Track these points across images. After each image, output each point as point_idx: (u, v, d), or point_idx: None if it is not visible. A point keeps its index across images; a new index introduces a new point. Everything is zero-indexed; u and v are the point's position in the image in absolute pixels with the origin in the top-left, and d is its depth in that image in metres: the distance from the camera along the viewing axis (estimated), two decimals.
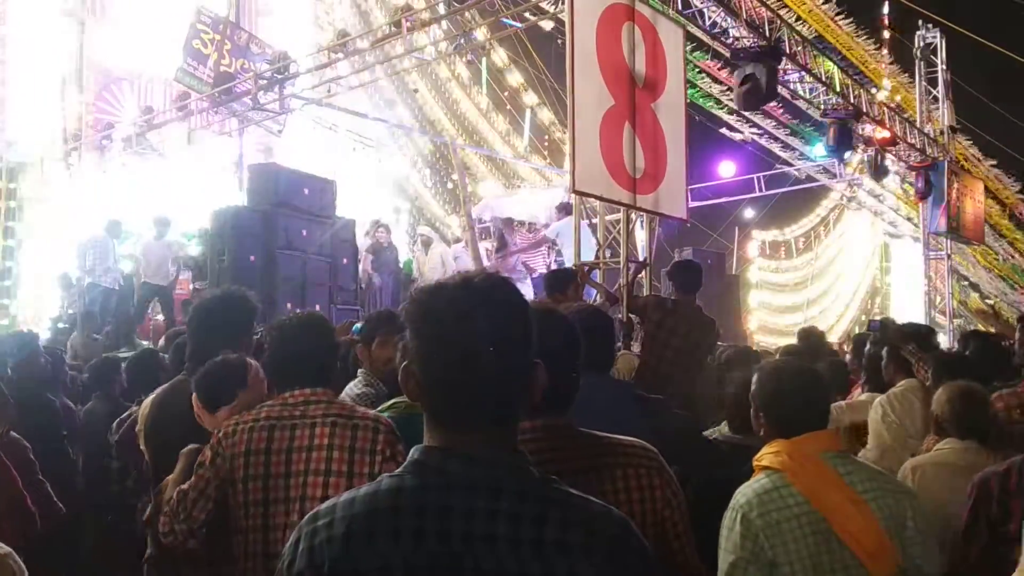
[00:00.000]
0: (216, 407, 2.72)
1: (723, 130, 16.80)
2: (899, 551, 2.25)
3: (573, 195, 7.71)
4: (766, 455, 2.42)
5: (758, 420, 2.53)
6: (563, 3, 9.43)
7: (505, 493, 1.28)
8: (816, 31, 15.96)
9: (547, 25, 11.42)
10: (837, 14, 18.33)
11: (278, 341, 2.70)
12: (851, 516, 2.25)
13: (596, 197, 7.11)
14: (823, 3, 17.70)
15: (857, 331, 15.04)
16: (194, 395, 2.80)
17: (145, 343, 11.22)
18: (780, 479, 2.32)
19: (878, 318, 8.37)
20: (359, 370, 3.79)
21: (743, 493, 2.35)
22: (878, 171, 14.63)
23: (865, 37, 19.42)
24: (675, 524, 1.90)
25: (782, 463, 2.35)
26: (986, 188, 18.91)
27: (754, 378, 2.58)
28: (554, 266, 11.76)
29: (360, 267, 12.55)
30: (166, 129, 14.69)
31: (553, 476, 1.35)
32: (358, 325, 4.63)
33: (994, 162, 20.82)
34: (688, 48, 13.19)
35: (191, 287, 12.24)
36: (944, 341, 13.74)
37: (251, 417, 2.52)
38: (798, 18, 14.87)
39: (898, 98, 18.83)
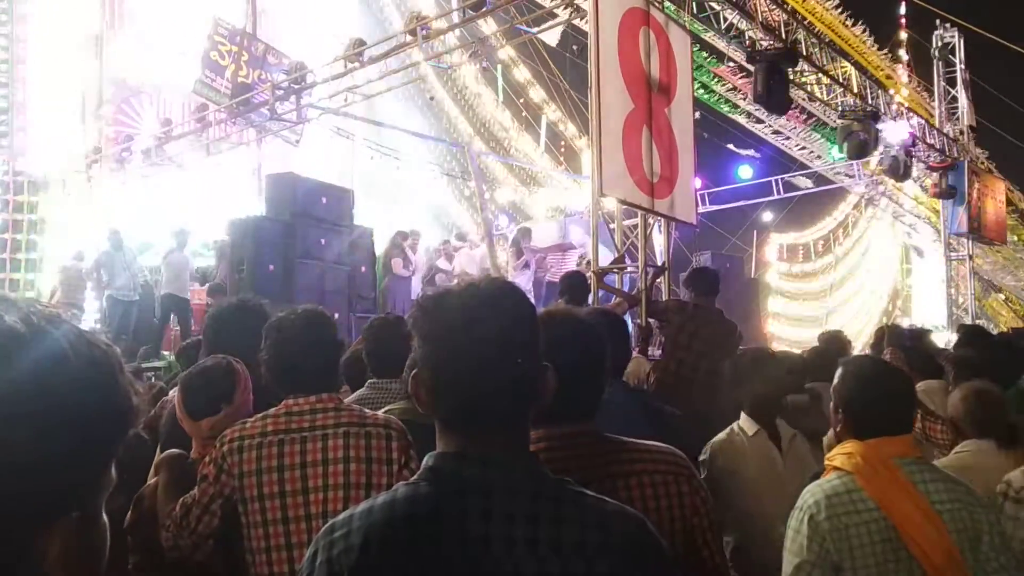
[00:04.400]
0: (198, 416, 2.62)
1: (730, 146, 16.78)
2: (971, 566, 2.17)
3: (593, 199, 7.70)
4: (838, 455, 2.35)
5: (836, 418, 2.45)
6: (576, 9, 9.46)
7: (520, 495, 1.28)
8: (828, 38, 15.89)
9: (553, 38, 11.40)
10: (848, 18, 18.25)
11: (278, 342, 2.53)
12: (921, 526, 2.17)
13: (620, 200, 7.10)
14: (834, 9, 17.63)
15: None
16: (177, 396, 2.70)
17: (166, 354, 11.32)
18: (851, 482, 2.26)
19: (916, 326, 8.32)
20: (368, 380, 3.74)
21: (812, 493, 2.29)
22: (898, 172, 14.52)
23: (873, 41, 19.29)
24: (704, 532, 1.85)
25: (854, 465, 2.28)
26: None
27: (837, 374, 2.48)
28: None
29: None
30: (185, 141, 14.81)
31: (568, 478, 1.35)
32: None
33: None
34: (704, 55, 13.23)
35: (207, 300, 12.28)
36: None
37: (256, 431, 2.41)
38: (806, 22, 14.81)
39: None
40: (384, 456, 2.43)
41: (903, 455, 2.30)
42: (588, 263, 9.37)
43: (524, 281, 13.27)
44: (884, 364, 2.59)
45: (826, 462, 2.40)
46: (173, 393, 4.38)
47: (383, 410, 2.91)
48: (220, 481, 2.39)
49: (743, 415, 3.43)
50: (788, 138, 17.29)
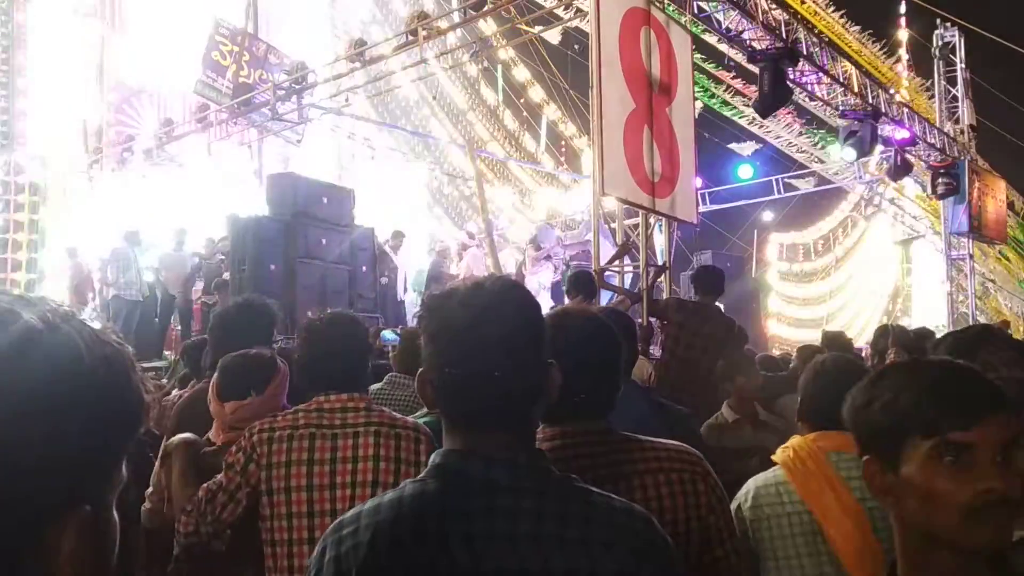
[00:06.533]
0: (226, 397, 2.68)
1: (731, 145, 16.78)
2: None
3: (594, 198, 7.71)
4: (780, 450, 2.38)
5: (799, 415, 2.48)
6: (576, 10, 9.47)
7: (526, 492, 1.29)
8: (828, 37, 15.86)
9: (554, 36, 11.41)
10: (846, 21, 18.21)
11: (309, 343, 2.62)
12: (838, 520, 2.18)
13: (621, 200, 7.11)
14: (831, 9, 17.60)
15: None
16: (215, 377, 2.76)
17: (167, 353, 11.33)
18: (782, 475, 2.29)
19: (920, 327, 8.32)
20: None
21: (746, 486, 2.35)
22: (897, 171, 14.50)
23: (873, 41, 19.27)
24: (720, 531, 1.84)
25: (785, 459, 2.31)
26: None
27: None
28: None
29: None
30: (185, 140, 14.81)
31: (574, 475, 1.36)
32: (386, 332, 4.74)
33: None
34: (704, 59, 13.23)
35: (202, 299, 12.27)
36: None
37: (287, 423, 2.45)
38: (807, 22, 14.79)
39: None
40: (412, 458, 2.46)
41: (841, 450, 2.26)
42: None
43: (544, 276, 13.27)
44: (841, 360, 2.53)
45: (773, 456, 2.42)
46: (176, 393, 4.42)
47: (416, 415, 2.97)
48: (248, 471, 2.41)
49: None
50: (789, 141, 17.27)
